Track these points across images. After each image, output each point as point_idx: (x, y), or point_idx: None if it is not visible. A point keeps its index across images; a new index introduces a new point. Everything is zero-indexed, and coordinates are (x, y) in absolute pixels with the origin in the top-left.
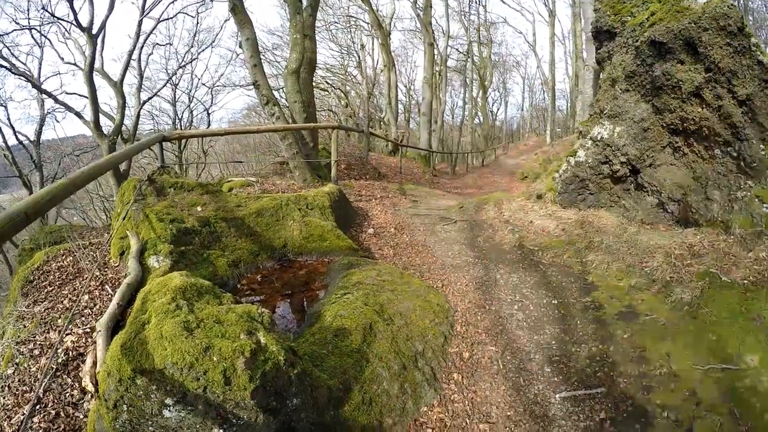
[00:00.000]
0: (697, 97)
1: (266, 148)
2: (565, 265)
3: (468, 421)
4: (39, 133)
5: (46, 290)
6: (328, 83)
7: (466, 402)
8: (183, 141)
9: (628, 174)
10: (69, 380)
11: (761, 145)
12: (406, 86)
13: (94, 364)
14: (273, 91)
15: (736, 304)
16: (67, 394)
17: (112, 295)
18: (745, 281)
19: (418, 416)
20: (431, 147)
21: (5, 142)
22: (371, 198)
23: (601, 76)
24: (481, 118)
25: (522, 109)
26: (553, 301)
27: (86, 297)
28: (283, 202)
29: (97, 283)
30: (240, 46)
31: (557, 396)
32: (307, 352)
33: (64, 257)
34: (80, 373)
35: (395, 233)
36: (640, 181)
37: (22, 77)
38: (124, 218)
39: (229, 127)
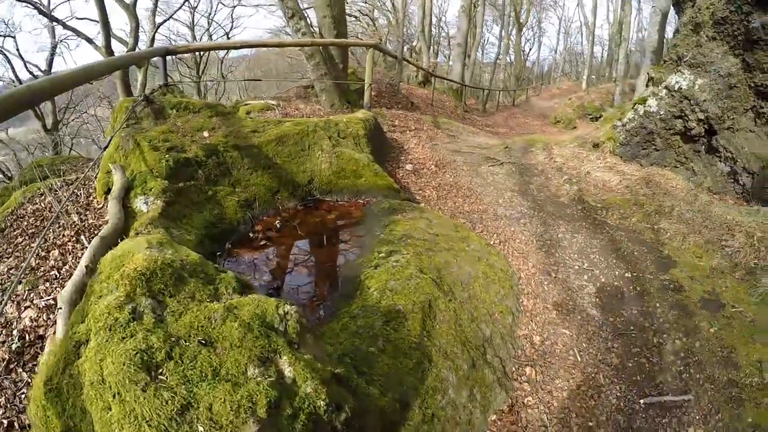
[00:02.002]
0: None
1: (290, 75)
2: (635, 231)
3: None
4: (51, 62)
5: (15, 242)
6: (358, 11)
7: (542, 406)
8: (202, 65)
9: (703, 134)
10: (25, 375)
11: None
12: (437, 16)
13: None
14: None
15: None
16: (23, 396)
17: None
18: None
19: (487, 427)
20: (464, 81)
21: (16, 74)
22: (405, 129)
23: (678, 19)
24: (513, 57)
25: (555, 52)
26: (626, 275)
27: (56, 252)
28: (309, 128)
29: (72, 233)
30: None
31: (642, 402)
32: (348, 349)
33: (42, 198)
34: (37, 367)
35: (436, 171)
36: (714, 144)
37: (29, 5)
38: (104, 148)
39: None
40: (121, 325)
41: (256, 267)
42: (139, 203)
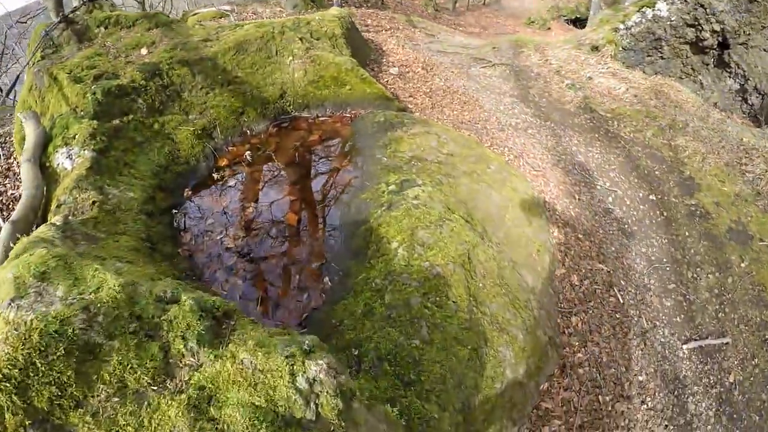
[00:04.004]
0: None
1: None
2: (652, 146)
3: (600, 397)
4: None
5: None
6: None
7: (592, 364)
8: None
9: (715, 46)
10: None
11: None
12: None
13: None
14: None
15: None
16: None
17: None
18: None
19: (540, 399)
20: None
21: None
22: (380, 29)
23: None
24: None
25: None
26: (650, 197)
27: None
28: (275, 29)
29: None
30: None
31: (684, 348)
32: (384, 348)
33: None
34: None
35: (425, 75)
36: (726, 59)
37: None
38: (8, 91)
39: None
40: None
41: (228, 220)
42: (60, 159)
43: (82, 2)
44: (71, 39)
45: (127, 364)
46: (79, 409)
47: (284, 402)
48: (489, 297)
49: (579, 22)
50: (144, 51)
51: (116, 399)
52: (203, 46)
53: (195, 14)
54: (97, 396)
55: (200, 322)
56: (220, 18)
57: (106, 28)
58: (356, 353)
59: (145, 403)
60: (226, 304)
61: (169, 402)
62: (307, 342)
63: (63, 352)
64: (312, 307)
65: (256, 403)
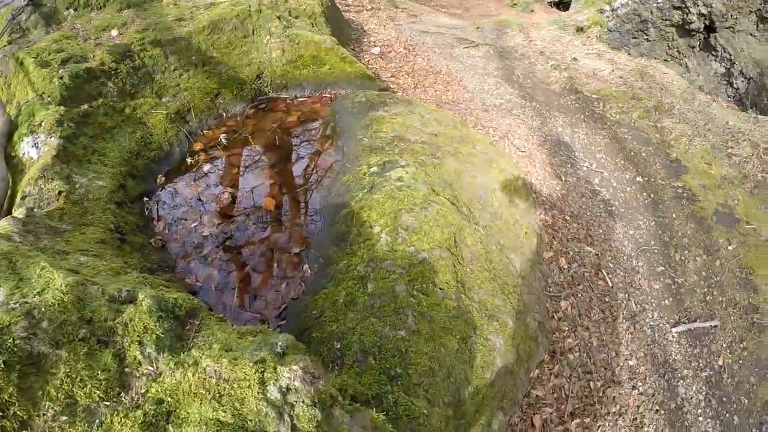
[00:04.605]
0: None
1: None
2: (638, 128)
3: (591, 383)
4: None
5: None
6: None
7: (582, 348)
8: None
9: (702, 30)
10: None
11: None
12: None
13: None
14: None
15: None
16: None
17: None
18: None
19: (530, 387)
20: None
21: None
22: (361, 9)
23: None
24: None
25: None
26: (637, 179)
27: None
28: (252, 7)
29: None
30: None
31: (674, 331)
32: (368, 341)
33: None
34: None
35: (407, 55)
36: (712, 42)
37: None
38: None
39: None
40: None
41: (204, 207)
42: (26, 148)
43: None
44: (39, 22)
45: (77, 377)
46: (24, 431)
47: (254, 416)
48: (477, 282)
49: (563, 5)
50: (114, 32)
51: (64, 418)
52: (177, 26)
53: None
54: (44, 415)
55: (159, 323)
56: None
57: (75, 9)
58: (338, 346)
59: (97, 421)
60: (190, 301)
61: (123, 420)
62: (279, 343)
63: (3, 366)
64: (291, 297)
65: (222, 419)
